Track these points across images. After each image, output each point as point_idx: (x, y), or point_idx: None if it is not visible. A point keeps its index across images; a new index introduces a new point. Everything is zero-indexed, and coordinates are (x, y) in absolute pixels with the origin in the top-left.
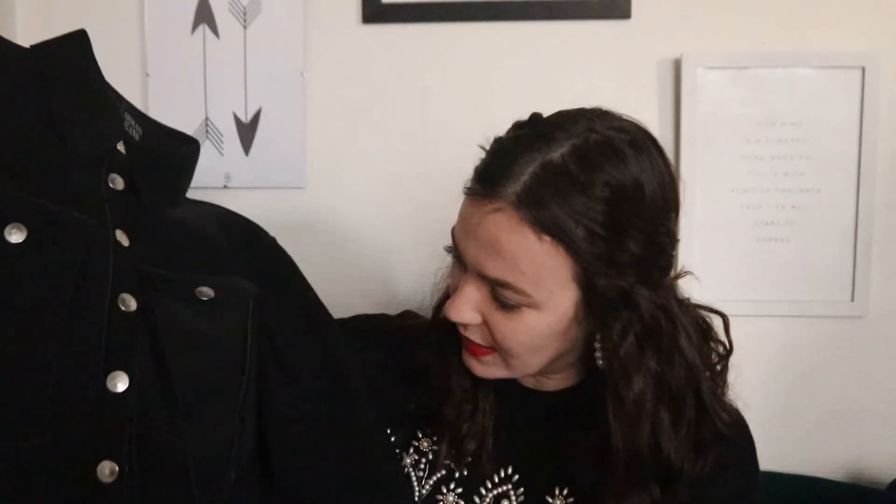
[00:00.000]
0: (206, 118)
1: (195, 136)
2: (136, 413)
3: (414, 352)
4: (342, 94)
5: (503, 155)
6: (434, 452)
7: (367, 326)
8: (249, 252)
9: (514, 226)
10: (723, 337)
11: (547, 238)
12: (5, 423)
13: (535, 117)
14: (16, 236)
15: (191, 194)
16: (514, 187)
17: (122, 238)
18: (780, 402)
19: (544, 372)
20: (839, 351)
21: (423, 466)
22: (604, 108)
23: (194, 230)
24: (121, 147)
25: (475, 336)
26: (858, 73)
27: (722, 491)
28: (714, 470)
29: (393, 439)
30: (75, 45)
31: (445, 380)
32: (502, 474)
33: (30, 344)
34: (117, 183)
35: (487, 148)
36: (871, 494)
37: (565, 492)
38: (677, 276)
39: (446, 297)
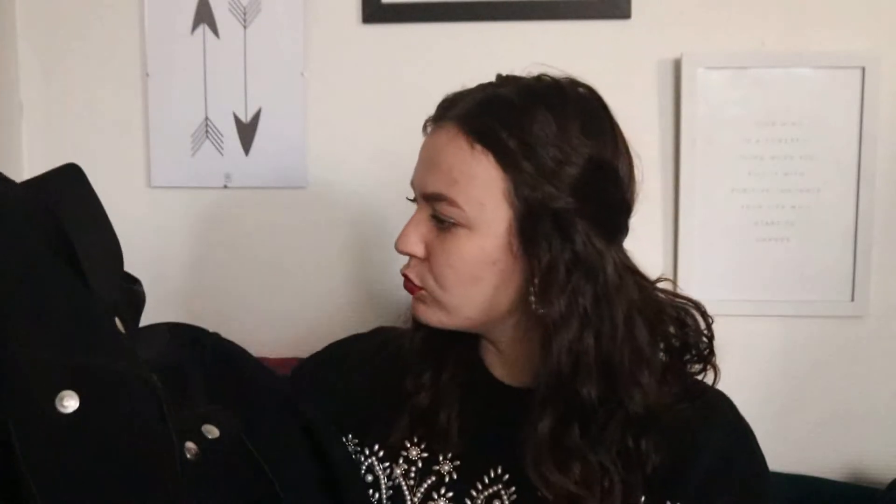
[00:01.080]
0: (206, 118)
1: (195, 137)
2: None
3: (393, 365)
4: (342, 94)
5: (454, 94)
6: (423, 460)
7: (341, 352)
8: (202, 366)
9: (451, 137)
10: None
11: (478, 146)
12: None
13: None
14: (70, 403)
15: (191, 194)
16: (459, 110)
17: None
18: (780, 402)
19: (492, 332)
20: (839, 351)
21: (413, 475)
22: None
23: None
24: None
25: (413, 273)
26: (858, 73)
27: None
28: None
29: (382, 453)
30: (75, 179)
31: (427, 388)
32: (492, 475)
33: None
34: (120, 326)
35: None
36: (871, 494)
37: None
38: (658, 280)
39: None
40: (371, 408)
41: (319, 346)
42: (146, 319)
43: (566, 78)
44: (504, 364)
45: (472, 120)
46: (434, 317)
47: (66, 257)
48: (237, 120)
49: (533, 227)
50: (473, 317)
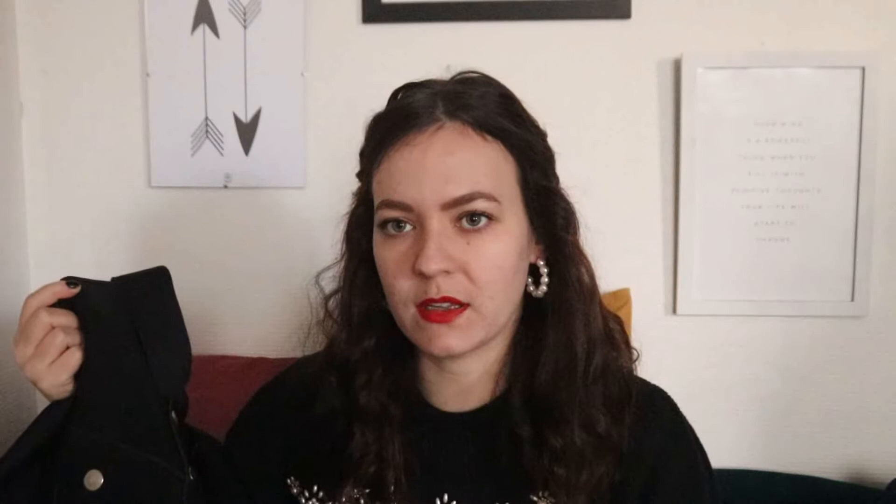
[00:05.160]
0: (206, 118)
1: (195, 137)
2: None
3: (315, 403)
4: (342, 94)
5: (401, 107)
6: (365, 497)
7: (270, 398)
8: None
9: (460, 133)
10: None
11: (489, 136)
12: None
13: (399, 88)
14: (95, 480)
15: (191, 194)
16: (437, 110)
17: (193, 473)
18: (780, 402)
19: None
20: (839, 351)
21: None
22: None
23: None
24: None
25: (453, 289)
26: (858, 73)
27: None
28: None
29: (322, 494)
30: (157, 282)
31: (373, 454)
32: (438, 503)
33: None
34: (174, 418)
35: (369, 127)
36: (871, 494)
37: None
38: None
39: (346, 323)
40: (308, 448)
41: (319, 347)
42: None
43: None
44: (444, 391)
45: (467, 111)
46: (473, 339)
47: (140, 353)
48: (237, 120)
49: (543, 202)
50: (504, 322)
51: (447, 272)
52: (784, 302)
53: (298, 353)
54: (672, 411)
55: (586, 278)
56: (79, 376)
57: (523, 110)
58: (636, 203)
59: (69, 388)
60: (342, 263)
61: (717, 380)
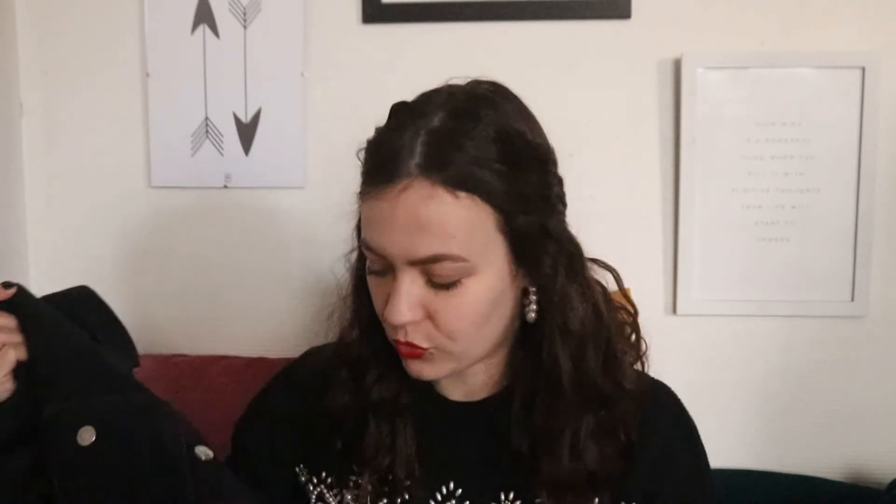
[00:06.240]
0: (206, 118)
1: (195, 137)
2: None
3: (326, 393)
4: (342, 94)
5: (386, 144)
6: (374, 484)
7: (281, 387)
8: None
9: (427, 194)
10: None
11: (462, 193)
12: None
13: (396, 107)
14: (86, 436)
15: (192, 195)
16: (412, 161)
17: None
18: (780, 402)
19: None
20: (839, 351)
21: (365, 500)
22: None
23: None
24: None
25: (418, 337)
26: (858, 73)
27: (675, 471)
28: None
29: (329, 480)
30: (87, 291)
31: (361, 414)
32: (444, 491)
33: None
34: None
35: (363, 152)
36: (871, 494)
37: (511, 495)
38: (592, 260)
39: (356, 322)
40: (315, 436)
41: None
42: (146, 318)
43: (472, 81)
44: (451, 387)
45: (438, 169)
46: (443, 371)
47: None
48: (237, 120)
49: (530, 246)
50: (482, 354)
51: (416, 321)
52: (784, 302)
53: (295, 353)
54: (676, 406)
55: (581, 314)
56: (22, 372)
57: (524, 144)
58: (636, 203)
59: (8, 386)
60: (353, 257)
61: (717, 380)
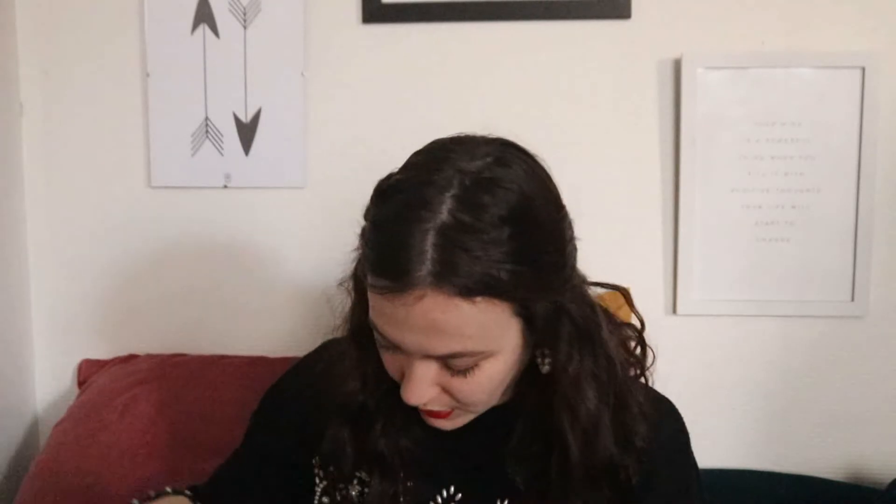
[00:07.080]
0: (206, 118)
1: (195, 137)
2: None
3: (339, 388)
4: (342, 94)
5: (394, 240)
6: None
7: (295, 382)
8: None
9: (443, 304)
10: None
11: (478, 299)
12: None
13: (395, 184)
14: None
15: (192, 195)
16: (425, 268)
17: None
18: (780, 403)
19: None
20: (839, 351)
21: (368, 497)
22: (456, 136)
23: None
24: None
25: (437, 405)
26: (858, 73)
27: (664, 483)
28: (647, 452)
29: (337, 474)
30: None
31: (391, 446)
32: (444, 494)
33: None
34: None
35: (365, 233)
36: (871, 494)
37: (506, 503)
38: (600, 284)
39: (360, 377)
40: (321, 431)
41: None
42: (146, 318)
43: (478, 157)
44: None
45: (453, 278)
46: (463, 422)
47: None
48: (237, 120)
49: (546, 329)
50: (495, 403)
51: (432, 398)
52: (784, 302)
53: (295, 353)
54: (676, 421)
55: (592, 405)
56: None
57: (535, 215)
58: (636, 203)
59: None
60: (350, 304)
61: (717, 380)
